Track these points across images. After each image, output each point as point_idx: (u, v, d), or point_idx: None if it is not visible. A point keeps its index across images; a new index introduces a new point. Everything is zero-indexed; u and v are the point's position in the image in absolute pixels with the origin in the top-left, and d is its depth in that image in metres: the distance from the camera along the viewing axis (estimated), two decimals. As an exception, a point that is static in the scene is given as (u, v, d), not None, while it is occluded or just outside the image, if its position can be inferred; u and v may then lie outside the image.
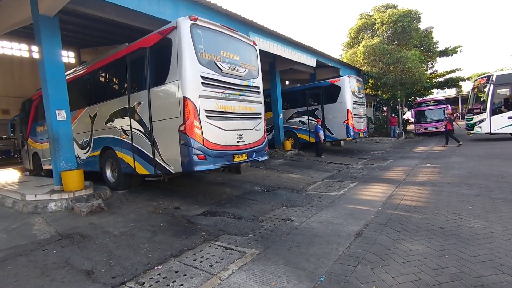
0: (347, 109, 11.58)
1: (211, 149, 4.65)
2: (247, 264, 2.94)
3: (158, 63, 5.08)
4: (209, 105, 4.74)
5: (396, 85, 16.38)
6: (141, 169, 5.37)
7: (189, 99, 4.48)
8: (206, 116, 4.69)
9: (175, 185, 6.63)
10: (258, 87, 5.91)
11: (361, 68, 17.19)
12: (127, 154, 5.64)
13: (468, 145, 12.82)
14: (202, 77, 4.66)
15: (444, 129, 13.71)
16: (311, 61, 11.64)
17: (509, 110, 12.35)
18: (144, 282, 2.66)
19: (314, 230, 3.86)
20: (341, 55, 21.11)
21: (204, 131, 4.59)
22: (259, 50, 7.09)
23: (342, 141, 14.60)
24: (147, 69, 5.10)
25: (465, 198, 4.72)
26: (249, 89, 5.63)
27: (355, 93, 12.11)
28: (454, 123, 13.66)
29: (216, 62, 4.95)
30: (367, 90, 18.24)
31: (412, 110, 22.16)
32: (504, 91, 12.57)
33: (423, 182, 6.20)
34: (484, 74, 14.35)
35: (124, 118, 5.68)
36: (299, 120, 13.25)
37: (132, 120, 5.45)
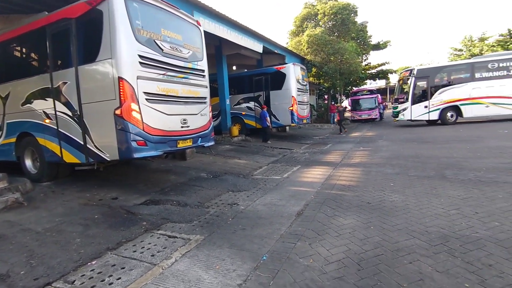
0: (292, 96, 12.03)
1: (152, 135, 4.37)
2: (191, 250, 2.90)
3: (87, 37, 4.49)
4: (149, 88, 4.40)
5: (335, 75, 17.55)
6: (69, 158, 4.79)
7: (126, 80, 4.09)
8: (146, 99, 4.36)
9: (113, 174, 6.12)
10: (203, 70, 5.71)
11: (305, 57, 17.91)
12: (52, 141, 4.95)
13: (394, 130, 14.56)
14: (140, 56, 4.28)
15: (338, 119, 15.50)
16: (258, 47, 11.67)
17: (425, 100, 14.33)
18: (74, 281, 2.42)
19: (259, 212, 3.98)
20: (287, 43, 21.65)
21: (143, 116, 4.27)
22: (204, 32, 6.81)
23: (287, 127, 15.19)
24: (74, 44, 4.46)
25: (388, 176, 5.38)
26: (194, 72, 5.39)
27: (299, 81, 12.62)
28: (344, 113, 15.77)
29: (156, 41, 4.59)
30: (310, 78, 19.16)
31: (349, 98, 24.14)
32: (422, 83, 14.47)
33: (356, 164, 6.86)
34: (408, 68, 16.24)
35: (46, 100, 4.94)
36: (246, 106, 13.32)
37: (56, 102, 4.77)
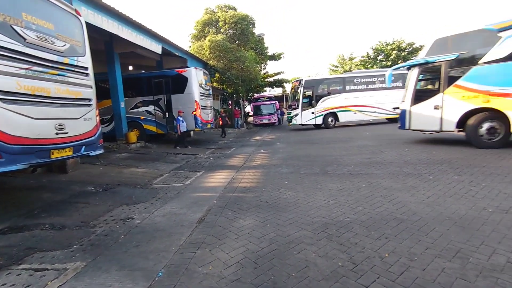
0: (195, 100, 11.84)
1: (9, 144, 3.46)
2: (67, 283, 2.41)
3: None
4: (3, 84, 3.48)
5: (238, 81, 18.32)
6: None
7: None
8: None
9: (-51, 198, 4.55)
10: (86, 68, 4.94)
11: (208, 62, 17.99)
12: None
13: (289, 134, 16.26)
14: (-12, 43, 3.34)
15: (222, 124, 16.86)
16: (156, 47, 10.97)
17: (312, 107, 16.65)
18: None
19: (157, 225, 3.69)
20: (190, 46, 21.26)
21: (-5, 120, 3.34)
22: (90, 25, 5.92)
23: (191, 132, 14.85)
24: None
25: (284, 175, 5.93)
26: (73, 69, 4.60)
27: (202, 85, 12.54)
28: (226, 119, 17.32)
29: (15, 27, 3.68)
30: (214, 83, 19.38)
31: (251, 104, 25.64)
32: (309, 92, 16.76)
33: (257, 166, 7.28)
34: (298, 78, 18.52)
35: None
36: (145, 110, 12.34)
37: None
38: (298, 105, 16.82)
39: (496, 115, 6.84)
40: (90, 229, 3.62)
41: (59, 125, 4.24)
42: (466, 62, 7.23)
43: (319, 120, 16.74)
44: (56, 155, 4.16)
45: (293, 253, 2.68)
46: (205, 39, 18.63)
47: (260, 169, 6.79)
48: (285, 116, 24.80)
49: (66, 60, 4.46)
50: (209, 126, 13.51)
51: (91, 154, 4.99)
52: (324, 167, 6.34)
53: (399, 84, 15.64)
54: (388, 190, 4.37)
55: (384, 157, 6.97)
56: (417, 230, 2.98)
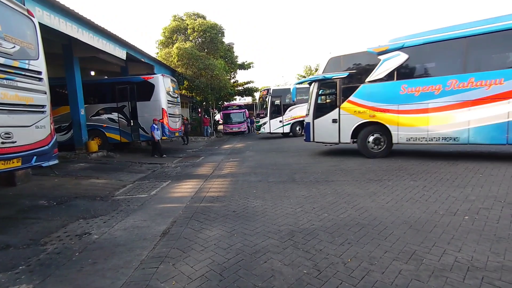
0: (162, 108, 11.51)
1: None
2: (8, 309, 2.16)
3: None
4: None
5: (207, 89, 18.18)
6: None
7: None
8: None
9: None
10: (40, 72, 4.60)
11: (176, 69, 17.67)
12: None
13: (259, 142, 16.39)
14: None
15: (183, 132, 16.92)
16: (120, 53, 10.54)
17: (280, 116, 16.98)
18: None
19: (117, 239, 3.47)
20: (157, 53, 20.75)
21: None
22: (45, 26, 5.53)
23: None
24: None
25: (252, 184, 5.93)
26: (23, 72, 4.25)
27: (170, 93, 12.25)
28: (188, 127, 17.40)
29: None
30: (183, 91, 19.03)
31: (221, 112, 25.53)
32: (277, 101, 17.10)
33: (225, 175, 7.21)
34: (266, 87, 18.83)
35: None
36: (108, 118, 11.72)
37: None
38: (266, 114, 17.07)
39: (380, 128, 7.67)
40: (40, 247, 3.30)
41: (6, 133, 3.86)
42: (356, 80, 7.97)
43: (287, 129, 17.09)
44: (1, 166, 3.77)
45: (260, 263, 2.67)
46: (173, 46, 18.32)
47: (229, 178, 6.72)
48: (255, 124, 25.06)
49: (16, 63, 4.11)
50: (177, 134, 13.19)
51: (43, 165, 4.60)
52: (292, 175, 6.46)
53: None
54: (351, 196, 4.56)
55: (348, 164, 7.30)
56: (377, 234, 3.12)
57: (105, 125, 11.68)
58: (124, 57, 10.91)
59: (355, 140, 8.19)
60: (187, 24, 19.43)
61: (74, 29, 7.89)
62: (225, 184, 6.17)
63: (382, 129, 7.65)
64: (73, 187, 6.11)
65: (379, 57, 7.47)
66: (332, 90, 8.55)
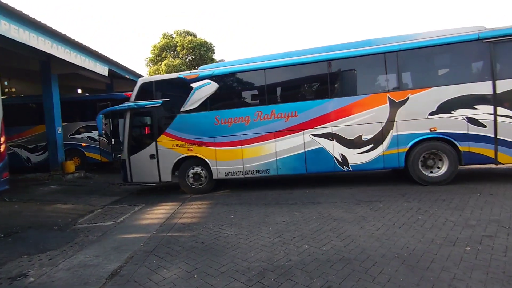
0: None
1: None
2: None
3: None
4: None
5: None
6: None
7: None
8: None
9: None
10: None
11: (165, 86, 17.39)
12: None
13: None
14: None
15: None
16: (102, 69, 10.15)
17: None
18: None
19: (54, 283, 2.89)
20: (148, 72, 20.59)
21: None
22: (19, 43, 5.17)
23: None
24: None
25: (231, 207, 5.38)
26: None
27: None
28: None
29: None
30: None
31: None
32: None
33: (205, 197, 6.63)
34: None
35: None
36: (88, 136, 11.16)
37: None
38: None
39: (200, 162, 6.87)
40: (-45, 297, 2.70)
41: None
42: (171, 110, 6.99)
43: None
44: None
45: (215, 319, 2.11)
46: (162, 63, 18.15)
47: (208, 200, 6.16)
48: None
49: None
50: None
51: (-14, 191, 4.03)
52: (277, 197, 5.92)
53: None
54: (337, 222, 4.04)
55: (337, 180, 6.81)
56: (364, 273, 2.60)
57: (84, 144, 11.11)
58: (106, 73, 10.50)
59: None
60: (176, 41, 19.42)
61: (47, 44, 7.49)
62: (202, 207, 5.62)
63: (202, 164, 6.87)
64: (32, 215, 5.49)
65: (191, 84, 6.70)
66: (148, 121, 7.41)
